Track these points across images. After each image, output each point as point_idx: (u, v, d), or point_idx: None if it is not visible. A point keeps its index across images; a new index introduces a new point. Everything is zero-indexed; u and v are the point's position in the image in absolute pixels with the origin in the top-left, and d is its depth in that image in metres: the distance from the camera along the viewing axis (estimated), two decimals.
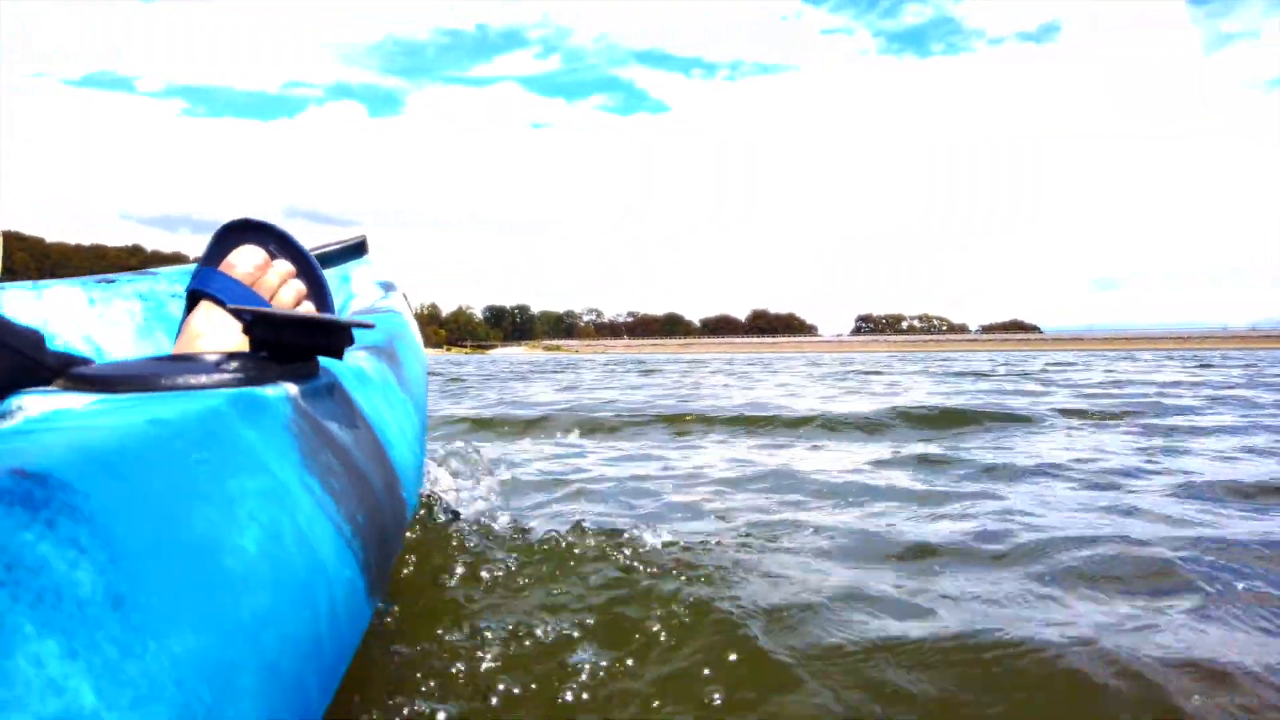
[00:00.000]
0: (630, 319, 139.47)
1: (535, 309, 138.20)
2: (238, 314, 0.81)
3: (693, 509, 2.19)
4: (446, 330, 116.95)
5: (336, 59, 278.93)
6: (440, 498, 1.63)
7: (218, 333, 0.80)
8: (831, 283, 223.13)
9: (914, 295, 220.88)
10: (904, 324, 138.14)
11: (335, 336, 0.80)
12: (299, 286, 0.89)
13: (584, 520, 1.61)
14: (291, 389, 0.74)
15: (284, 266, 0.89)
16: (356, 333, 1.11)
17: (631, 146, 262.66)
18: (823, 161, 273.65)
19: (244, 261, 0.86)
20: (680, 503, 2.29)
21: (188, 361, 0.72)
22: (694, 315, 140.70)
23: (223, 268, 0.85)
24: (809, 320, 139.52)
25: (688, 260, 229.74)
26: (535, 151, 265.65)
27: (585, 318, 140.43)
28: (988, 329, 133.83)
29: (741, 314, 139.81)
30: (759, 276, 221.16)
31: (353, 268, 1.73)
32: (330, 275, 1.34)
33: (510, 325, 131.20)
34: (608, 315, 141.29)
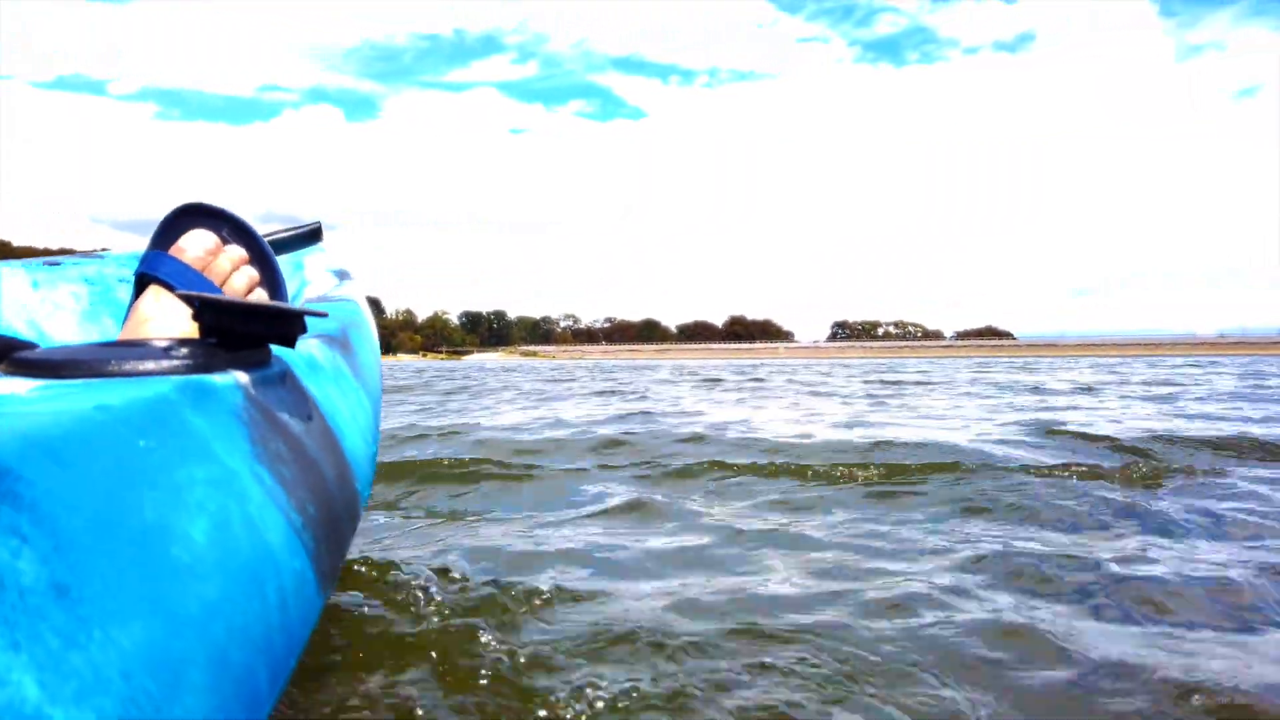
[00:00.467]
0: (607, 325, 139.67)
1: (512, 315, 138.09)
2: (187, 300, 0.80)
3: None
4: (422, 336, 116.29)
5: (313, 63, 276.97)
6: None
7: (166, 317, 0.79)
8: (808, 289, 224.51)
9: (889, 302, 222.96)
10: (880, 330, 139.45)
11: (287, 325, 0.78)
12: (251, 273, 0.88)
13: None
14: (242, 377, 0.73)
15: (236, 252, 0.87)
16: (309, 321, 1.10)
17: (610, 153, 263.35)
18: (800, 169, 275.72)
19: (195, 245, 0.84)
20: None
21: (135, 347, 0.70)
22: (671, 321, 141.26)
23: (173, 251, 0.83)
24: (785, 326, 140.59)
25: (665, 266, 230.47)
26: (513, 157, 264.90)
27: (562, 323, 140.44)
28: (962, 335, 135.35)
29: (718, 320, 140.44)
30: (736, 282, 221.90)
31: (307, 254, 1.71)
32: (284, 261, 1.32)
33: (487, 331, 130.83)
34: (585, 321, 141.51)
